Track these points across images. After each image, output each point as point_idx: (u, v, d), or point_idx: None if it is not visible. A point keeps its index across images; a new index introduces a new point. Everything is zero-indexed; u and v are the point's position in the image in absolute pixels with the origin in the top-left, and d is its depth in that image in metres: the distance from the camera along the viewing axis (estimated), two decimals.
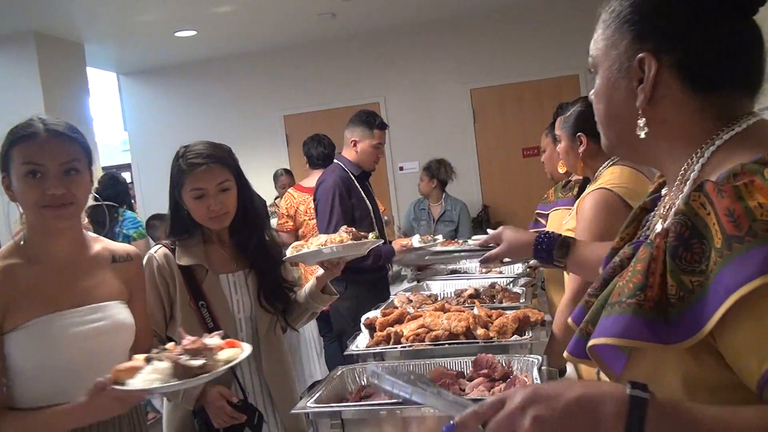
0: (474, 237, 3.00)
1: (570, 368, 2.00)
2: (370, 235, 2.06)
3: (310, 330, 4.76)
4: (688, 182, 0.85)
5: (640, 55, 0.84)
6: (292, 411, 1.52)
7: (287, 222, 4.57)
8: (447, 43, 6.60)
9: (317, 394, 1.59)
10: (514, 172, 6.55)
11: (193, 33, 5.94)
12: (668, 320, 0.74)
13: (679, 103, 0.85)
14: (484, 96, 6.60)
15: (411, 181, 6.44)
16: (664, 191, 0.97)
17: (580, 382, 0.78)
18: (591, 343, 0.81)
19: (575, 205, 2.14)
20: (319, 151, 4.35)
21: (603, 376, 0.90)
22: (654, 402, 0.68)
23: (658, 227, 0.91)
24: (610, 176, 1.99)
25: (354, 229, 2.03)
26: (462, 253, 3.15)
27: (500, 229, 1.74)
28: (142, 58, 6.76)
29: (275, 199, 5.90)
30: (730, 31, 0.83)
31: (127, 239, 4.64)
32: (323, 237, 2.02)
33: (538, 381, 1.51)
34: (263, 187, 4.78)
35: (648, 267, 0.76)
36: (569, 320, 0.99)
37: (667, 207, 0.90)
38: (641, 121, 0.85)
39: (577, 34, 6.37)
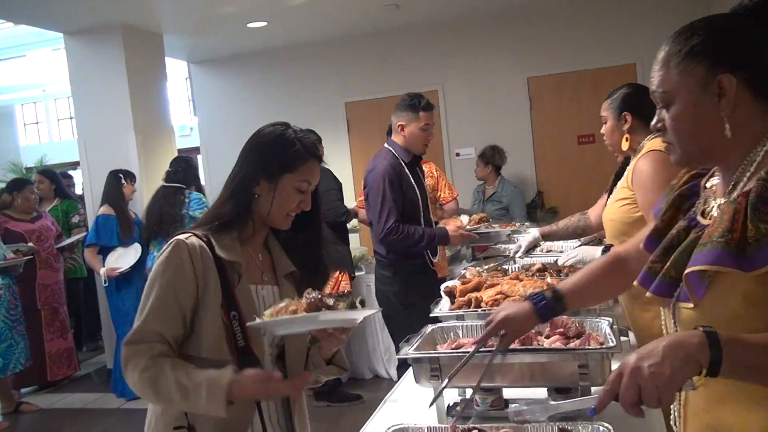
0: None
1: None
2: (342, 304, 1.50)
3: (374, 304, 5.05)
4: (754, 164, 1.12)
5: (719, 76, 1.10)
6: (398, 356, 1.78)
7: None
8: (505, 32, 6.76)
9: (415, 345, 1.87)
10: (569, 159, 6.70)
11: (264, 24, 6.25)
12: (746, 255, 1.02)
13: (750, 109, 1.12)
14: (541, 84, 6.75)
15: (467, 167, 6.65)
16: (709, 183, 1.26)
17: (663, 337, 1.00)
18: (688, 270, 1.08)
19: (625, 176, 2.39)
20: None
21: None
22: (719, 332, 0.96)
23: (714, 203, 1.19)
24: (658, 143, 2.25)
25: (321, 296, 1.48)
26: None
27: (498, 319, 1.63)
28: (213, 48, 7.12)
29: None
30: None
31: (193, 220, 4.83)
32: (284, 303, 1.48)
33: (612, 337, 1.75)
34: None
35: (733, 217, 1.05)
36: (635, 283, 1.28)
37: (731, 185, 1.16)
38: (727, 126, 1.11)
39: (634, 23, 6.51)
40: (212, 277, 1.53)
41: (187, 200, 4.99)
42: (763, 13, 1.12)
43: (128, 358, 1.48)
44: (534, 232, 3.16)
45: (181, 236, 1.56)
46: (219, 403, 1.40)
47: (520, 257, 3.12)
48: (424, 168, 3.86)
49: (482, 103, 6.89)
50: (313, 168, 1.65)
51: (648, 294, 1.20)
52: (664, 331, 1.29)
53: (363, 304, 1.51)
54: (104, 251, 5.23)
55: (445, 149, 6.99)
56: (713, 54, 1.12)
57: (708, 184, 1.27)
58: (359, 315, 1.47)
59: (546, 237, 3.16)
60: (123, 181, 5.32)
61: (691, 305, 1.10)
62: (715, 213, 1.17)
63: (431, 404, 1.60)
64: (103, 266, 5.12)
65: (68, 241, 5.71)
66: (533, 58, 6.70)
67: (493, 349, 1.64)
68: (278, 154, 1.62)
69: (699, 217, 1.22)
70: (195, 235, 1.56)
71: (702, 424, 1.18)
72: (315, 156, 1.66)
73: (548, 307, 1.62)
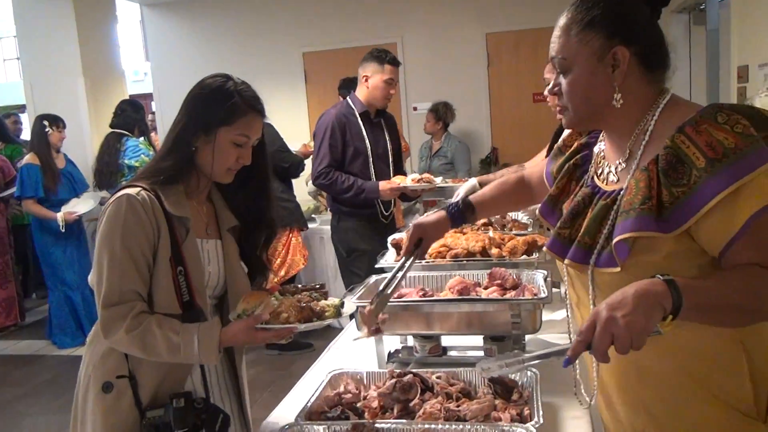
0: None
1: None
2: (325, 302, 1.61)
3: (327, 258, 5.11)
4: (647, 133, 1.20)
5: (614, 48, 1.17)
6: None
7: None
8: None
9: (358, 294, 1.93)
10: (523, 116, 6.78)
11: None
12: (663, 218, 1.11)
13: (639, 80, 1.20)
14: (499, 41, 6.76)
15: (424, 121, 6.68)
16: (596, 149, 1.34)
17: (627, 286, 1.05)
18: (616, 239, 1.15)
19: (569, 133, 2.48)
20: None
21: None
22: (676, 278, 1.03)
23: (610, 168, 1.26)
24: None
25: (305, 298, 1.62)
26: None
27: (414, 226, 1.70)
28: None
29: None
30: (658, 29, 1.22)
31: (132, 170, 4.72)
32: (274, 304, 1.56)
33: (545, 289, 1.84)
34: (281, 123, 4.99)
35: (648, 184, 1.13)
36: (545, 248, 1.37)
37: (628, 153, 1.23)
38: (618, 95, 1.19)
39: None
40: (163, 232, 1.53)
41: (123, 148, 4.79)
42: None
43: (112, 320, 1.48)
44: (472, 181, 3.21)
45: (130, 190, 1.52)
46: (212, 353, 1.48)
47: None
48: None
49: (440, 57, 6.87)
50: (252, 122, 1.61)
51: (566, 261, 1.27)
52: (572, 293, 1.38)
53: (343, 305, 1.62)
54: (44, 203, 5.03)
55: (403, 103, 6.99)
56: (610, 27, 1.18)
57: (595, 149, 1.35)
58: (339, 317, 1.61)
59: (483, 185, 3.19)
60: (48, 128, 4.97)
61: (617, 269, 1.16)
62: (612, 177, 1.25)
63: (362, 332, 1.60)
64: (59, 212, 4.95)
65: (6, 193, 5.49)
66: (492, 14, 6.69)
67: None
68: (215, 106, 1.58)
69: (597, 182, 1.29)
70: (143, 188, 1.53)
71: (626, 363, 1.24)
72: (254, 109, 1.62)
73: (459, 212, 1.71)
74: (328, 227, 4.87)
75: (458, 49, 6.83)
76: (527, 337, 1.90)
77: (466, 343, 1.97)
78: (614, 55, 1.18)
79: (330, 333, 4.97)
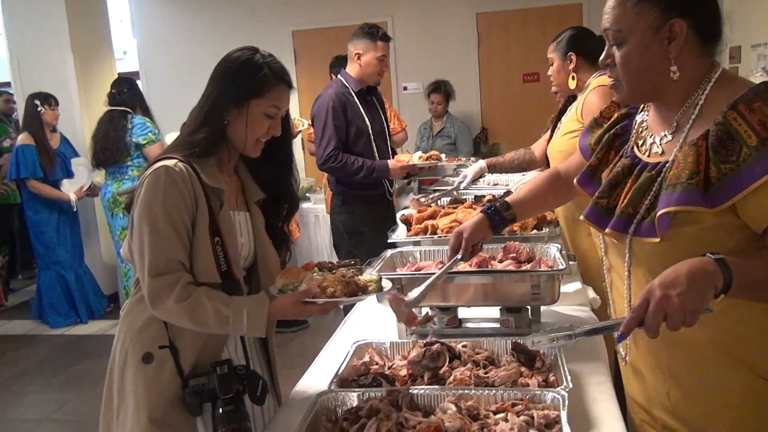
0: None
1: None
2: (365, 277, 1.64)
3: (323, 237, 5.13)
4: (697, 107, 1.21)
5: (672, 20, 1.17)
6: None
7: None
8: None
9: (377, 267, 1.96)
10: (513, 97, 6.82)
11: None
12: (709, 193, 1.13)
13: (695, 52, 1.21)
14: (489, 20, 6.76)
15: (414, 101, 6.68)
16: (638, 118, 1.35)
17: (678, 264, 1.06)
18: (662, 211, 1.17)
19: (574, 110, 2.51)
20: None
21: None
22: (726, 256, 1.06)
23: (654, 140, 1.28)
24: (604, 80, 2.37)
25: (348, 273, 1.63)
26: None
27: (455, 232, 1.74)
28: None
29: None
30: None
31: (139, 148, 4.72)
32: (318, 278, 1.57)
33: (561, 261, 1.88)
34: None
35: (697, 159, 1.14)
36: (582, 217, 1.38)
37: (675, 126, 1.24)
38: (674, 68, 1.20)
39: None
40: (201, 203, 1.54)
41: (129, 125, 4.74)
42: None
43: (160, 289, 1.48)
44: (480, 163, 3.25)
45: (167, 162, 1.53)
46: (261, 325, 1.51)
47: (465, 187, 3.23)
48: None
49: (431, 37, 6.86)
50: (282, 93, 1.63)
51: (606, 230, 1.29)
52: (604, 260, 1.41)
53: (381, 280, 1.65)
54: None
55: (393, 83, 6.97)
56: None
57: (638, 119, 1.36)
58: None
59: (492, 168, 3.27)
60: (40, 107, 4.94)
61: (656, 239, 1.19)
62: (656, 149, 1.26)
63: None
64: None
65: None
66: None
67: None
68: (246, 79, 1.59)
69: (638, 153, 1.30)
70: (179, 160, 1.54)
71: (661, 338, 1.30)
72: (284, 81, 1.64)
73: (497, 212, 1.72)
74: (323, 206, 4.91)
75: (449, 28, 6.82)
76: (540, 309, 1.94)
77: (481, 315, 2.01)
78: (671, 27, 1.18)
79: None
